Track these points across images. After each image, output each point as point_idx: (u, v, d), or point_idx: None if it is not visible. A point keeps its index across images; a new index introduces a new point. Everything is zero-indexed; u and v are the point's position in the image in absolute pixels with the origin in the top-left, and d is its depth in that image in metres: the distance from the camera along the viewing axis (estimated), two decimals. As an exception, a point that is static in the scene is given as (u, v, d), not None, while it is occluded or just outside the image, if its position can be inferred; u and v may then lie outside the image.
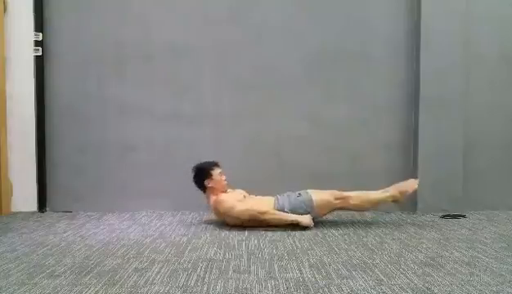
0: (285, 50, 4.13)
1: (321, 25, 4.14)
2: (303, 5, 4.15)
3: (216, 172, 3.59)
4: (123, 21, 4.12)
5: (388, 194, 3.56)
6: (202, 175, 3.59)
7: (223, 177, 3.60)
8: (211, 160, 3.64)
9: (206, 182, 3.58)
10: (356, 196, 3.53)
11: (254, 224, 3.42)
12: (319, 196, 3.52)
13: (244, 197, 3.61)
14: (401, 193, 3.56)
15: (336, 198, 3.52)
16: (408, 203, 4.11)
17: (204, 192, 3.63)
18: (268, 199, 3.54)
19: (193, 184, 4.12)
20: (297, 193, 3.57)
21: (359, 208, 3.66)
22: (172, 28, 4.12)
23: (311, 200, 3.49)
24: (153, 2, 4.13)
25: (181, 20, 4.12)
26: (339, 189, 3.57)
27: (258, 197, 3.60)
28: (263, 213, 3.41)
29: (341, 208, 3.62)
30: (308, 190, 3.57)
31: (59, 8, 4.08)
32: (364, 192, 3.57)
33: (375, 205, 3.67)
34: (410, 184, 3.61)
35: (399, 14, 4.14)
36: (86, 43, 4.11)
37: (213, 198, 3.55)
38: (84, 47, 4.11)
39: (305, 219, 3.41)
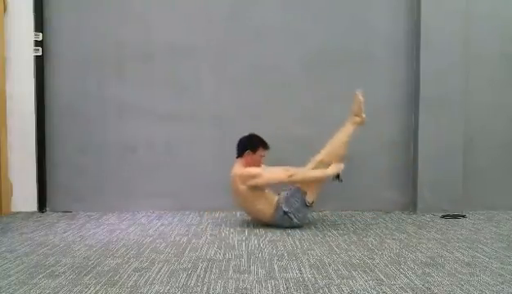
0: (285, 50, 4.13)
1: (321, 25, 4.14)
2: (302, 5, 4.14)
3: (260, 152, 3.57)
4: (123, 21, 4.12)
5: (347, 125, 3.61)
6: (250, 144, 3.56)
7: (262, 160, 3.59)
8: (264, 139, 3.60)
9: (247, 152, 3.55)
10: (328, 151, 3.53)
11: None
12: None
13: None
14: (355, 112, 3.61)
15: (316, 167, 3.49)
16: (408, 202, 4.12)
17: (238, 158, 3.59)
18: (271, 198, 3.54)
19: (193, 183, 4.14)
20: (284, 189, 3.56)
21: (339, 157, 3.57)
22: (173, 28, 4.11)
23: (299, 188, 3.47)
24: (153, 2, 4.13)
25: (181, 20, 4.12)
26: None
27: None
28: (290, 176, 3.43)
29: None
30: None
31: (59, 8, 4.08)
32: (330, 143, 3.59)
33: (346, 143, 3.59)
34: (356, 100, 3.62)
35: (399, 14, 4.14)
36: (86, 43, 4.11)
37: (242, 167, 3.51)
38: (84, 47, 4.11)
39: (332, 168, 3.43)
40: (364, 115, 3.63)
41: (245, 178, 3.44)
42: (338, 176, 3.48)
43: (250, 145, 3.56)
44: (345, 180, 4.05)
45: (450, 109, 4.04)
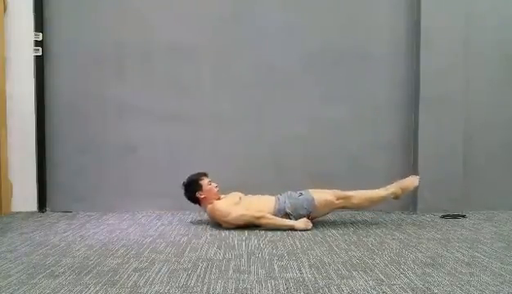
0: (285, 49, 4.13)
1: (321, 25, 4.14)
2: (303, 4, 4.15)
3: (205, 182, 3.57)
4: (123, 21, 4.12)
5: (389, 192, 3.59)
6: (192, 188, 3.57)
7: (214, 185, 3.59)
8: (199, 171, 3.63)
9: (198, 194, 3.56)
10: (357, 195, 3.55)
11: (252, 225, 3.44)
12: (320, 196, 3.53)
13: (240, 198, 3.59)
14: (402, 189, 3.61)
15: (338, 198, 3.53)
16: (408, 202, 4.12)
17: (200, 204, 3.62)
18: (268, 198, 3.55)
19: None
20: (298, 192, 3.57)
21: (360, 207, 3.70)
22: (173, 28, 4.11)
23: (312, 199, 3.50)
24: (153, 2, 4.13)
25: (181, 20, 4.12)
26: (340, 189, 3.58)
27: (256, 196, 3.60)
28: (259, 218, 3.42)
29: (342, 208, 3.64)
30: (310, 190, 3.57)
31: (59, 8, 4.08)
32: (365, 191, 3.59)
33: (376, 203, 3.69)
34: (411, 180, 3.66)
35: (399, 13, 4.14)
36: (86, 43, 4.11)
37: (208, 206, 3.54)
38: (84, 47, 4.11)
39: (300, 224, 3.41)
40: (402, 195, 3.64)
41: (219, 221, 3.48)
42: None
43: (193, 189, 3.56)
44: (345, 179, 4.07)
45: (450, 108, 4.04)
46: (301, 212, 3.47)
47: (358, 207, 3.66)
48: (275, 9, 4.14)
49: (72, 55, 4.11)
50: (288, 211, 3.47)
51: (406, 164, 4.16)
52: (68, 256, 2.75)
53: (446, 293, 2.14)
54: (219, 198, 3.58)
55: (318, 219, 3.60)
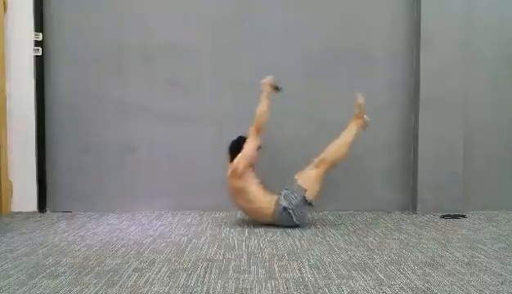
0: (285, 50, 4.13)
1: (321, 25, 4.14)
2: (303, 5, 4.15)
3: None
4: (123, 21, 4.12)
5: (352, 124, 3.62)
6: (240, 146, 3.58)
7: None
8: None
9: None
10: (331, 149, 3.54)
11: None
12: (304, 177, 3.51)
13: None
14: (357, 114, 3.64)
15: (317, 166, 3.51)
16: (408, 202, 4.13)
17: (231, 161, 3.59)
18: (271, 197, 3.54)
19: (193, 183, 4.13)
20: (284, 188, 3.53)
21: (343, 156, 3.60)
22: (173, 28, 4.11)
23: (299, 186, 3.48)
24: (153, 2, 4.13)
25: (181, 20, 4.12)
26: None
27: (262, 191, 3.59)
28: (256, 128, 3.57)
29: (332, 167, 3.57)
30: (295, 177, 3.55)
31: (59, 8, 4.08)
32: (335, 142, 3.58)
33: (352, 141, 3.60)
34: (357, 97, 3.65)
35: (399, 14, 4.14)
36: (86, 43, 4.11)
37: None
38: (84, 47, 4.11)
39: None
40: (366, 117, 3.63)
41: (234, 170, 3.48)
42: (276, 88, 3.63)
43: (239, 147, 3.58)
44: (345, 179, 4.07)
45: (450, 109, 4.04)
46: (299, 205, 3.45)
47: (341, 158, 3.58)
48: (275, 9, 4.13)
49: (72, 55, 4.11)
50: (290, 212, 3.44)
51: (406, 164, 4.16)
52: (68, 256, 2.75)
53: (446, 293, 2.14)
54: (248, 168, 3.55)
55: (318, 219, 3.59)
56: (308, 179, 3.50)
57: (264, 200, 3.49)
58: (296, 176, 3.54)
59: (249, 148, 3.54)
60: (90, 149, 4.13)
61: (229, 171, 3.53)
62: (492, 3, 4.16)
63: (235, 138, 3.66)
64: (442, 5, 4.01)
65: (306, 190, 3.46)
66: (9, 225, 3.58)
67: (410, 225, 3.60)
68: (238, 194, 3.52)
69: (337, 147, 3.56)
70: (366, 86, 4.15)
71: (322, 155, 3.54)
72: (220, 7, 4.12)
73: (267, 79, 3.64)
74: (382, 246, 2.99)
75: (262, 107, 3.59)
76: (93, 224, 3.64)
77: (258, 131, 3.60)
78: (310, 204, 3.48)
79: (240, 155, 3.52)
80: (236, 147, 3.60)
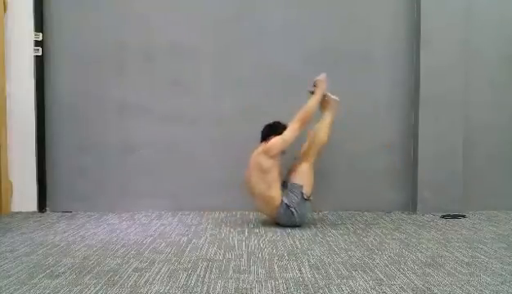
0: (286, 49, 4.13)
1: (322, 24, 4.14)
2: (303, 4, 4.14)
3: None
4: (123, 21, 4.11)
5: (323, 112, 3.70)
6: (274, 129, 3.61)
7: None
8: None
9: (270, 137, 3.58)
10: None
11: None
12: (297, 173, 3.55)
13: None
14: (324, 100, 3.70)
15: (305, 159, 3.58)
16: (408, 202, 4.12)
17: (262, 141, 3.62)
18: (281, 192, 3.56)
19: (193, 183, 4.13)
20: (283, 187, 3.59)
21: (324, 144, 3.65)
22: (173, 28, 4.11)
23: (295, 184, 3.51)
24: (153, 2, 4.13)
25: (182, 20, 4.12)
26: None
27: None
28: (298, 120, 3.53)
29: (317, 158, 3.64)
30: (288, 176, 3.61)
31: (59, 8, 4.08)
32: (311, 131, 3.66)
33: (327, 128, 3.65)
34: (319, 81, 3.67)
35: (399, 13, 4.14)
36: (86, 43, 4.11)
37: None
38: (85, 47, 4.11)
39: (316, 96, 3.61)
40: (329, 94, 3.68)
41: (270, 148, 3.49)
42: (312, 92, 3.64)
43: (274, 131, 3.60)
44: (345, 179, 4.07)
45: (450, 108, 4.04)
46: (300, 204, 3.47)
47: (324, 144, 3.64)
48: (275, 9, 4.13)
49: (72, 55, 4.11)
50: (292, 210, 3.45)
51: (406, 164, 4.16)
52: (68, 256, 2.75)
53: (446, 293, 2.14)
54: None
55: (318, 219, 3.59)
56: (302, 174, 3.55)
57: (277, 191, 3.50)
58: (289, 176, 3.59)
59: (292, 134, 3.53)
60: (90, 149, 4.13)
61: (261, 148, 3.54)
62: (492, 2, 4.16)
63: (271, 122, 3.67)
64: (442, 4, 4.01)
65: (302, 186, 3.49)
66: (9, 225, 3.58)
67: (410, 225, 3.60)
68: (260, 173, 3.50)
69: (317, 135, 3.62)
70: (365, 85, 4.16)
71: (304, 148, 3.64)
72: (220, 7, 4.12)
73: (323, 76, 3.65)
74: (382, 246, 2.99)
75: (314, 102, 3.60)
76: (93, 224, 3.64)
77: (304, 124, 3.57)
78: (308, 200, 3.50)
79: (280, 137, 3.52)
80: (273, 129, 3.62)
